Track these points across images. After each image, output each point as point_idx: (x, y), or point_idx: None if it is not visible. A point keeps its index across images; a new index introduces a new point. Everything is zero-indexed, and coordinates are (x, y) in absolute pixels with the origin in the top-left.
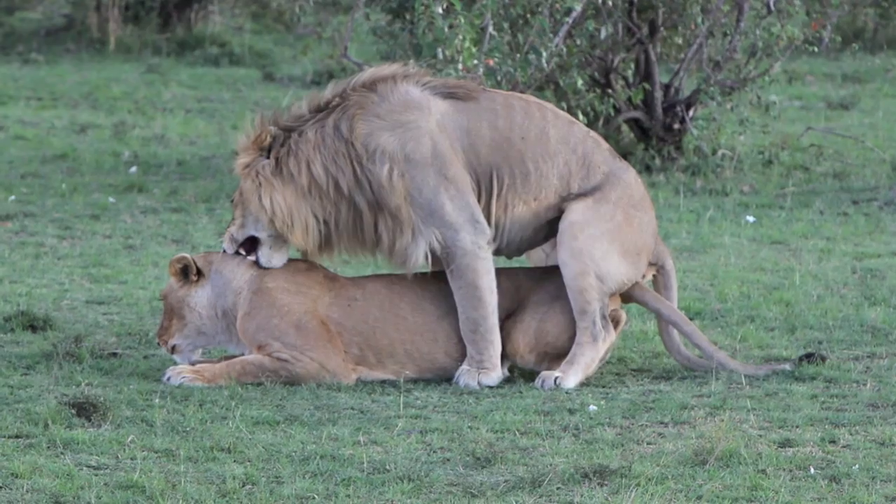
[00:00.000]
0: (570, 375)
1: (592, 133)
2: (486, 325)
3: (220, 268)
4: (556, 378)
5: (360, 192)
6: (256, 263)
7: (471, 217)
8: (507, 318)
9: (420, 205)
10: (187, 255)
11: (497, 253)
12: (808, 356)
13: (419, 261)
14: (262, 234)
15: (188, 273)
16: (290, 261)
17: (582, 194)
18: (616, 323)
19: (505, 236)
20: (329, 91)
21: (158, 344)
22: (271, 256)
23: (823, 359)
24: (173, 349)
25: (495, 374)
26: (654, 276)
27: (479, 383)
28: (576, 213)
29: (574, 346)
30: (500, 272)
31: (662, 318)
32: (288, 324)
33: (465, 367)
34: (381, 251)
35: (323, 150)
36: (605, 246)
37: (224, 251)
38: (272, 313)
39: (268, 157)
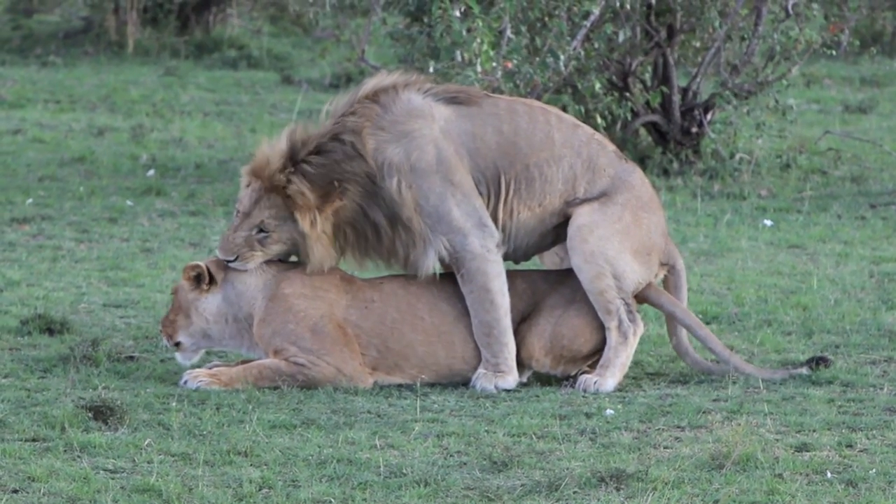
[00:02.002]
0: (608, 378)
1: (597, 135)
2: (500, 327)
3: (233, 277)
4: (595, 382)
5: (379, 210)
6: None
7: (478, 221)
8: (522, 321)
9: (428, 213)
10: (202, 265)
11: (504, 258)
12: (815, 360)
13: (429, 270)
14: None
15: (201, 280)
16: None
17: (587, 199)
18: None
19: (512, 242)
20: (335, 108)
21: (160, 333)
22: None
23: (826, 361)
24: (177, 345)
25: (511, 377)
26: (664, 276)
27: (496, 387)
28: (583, 216)
29: (606, 349)
30: (516, 274)
31: (677, 321)
32: (304, 328)
33: (481, 370)
34: (396, 262)
35: (355, 179)
36: (617, 246)
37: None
38: (288, 318)
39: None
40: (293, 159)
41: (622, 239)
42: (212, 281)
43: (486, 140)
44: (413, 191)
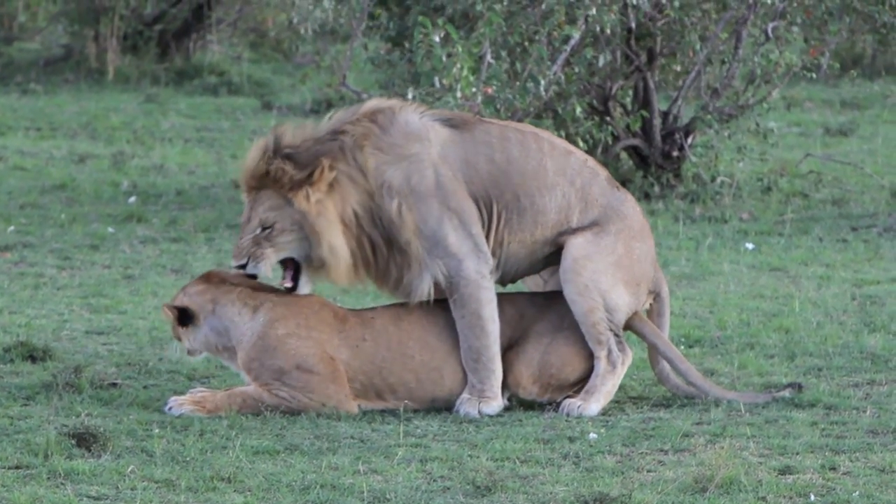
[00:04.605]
0: (592, 403)
1: (590, 161)
2: (489, 354)
3: (220, 311)
4: (578, 406)
5: (376, 228)
6: (292, 289)
7: (474, 247)
8: (510, 348)
9: (426, 236)
10: (171, 311)
11: None
12: (793, 385)
13: (424, 295)
14: (301, 259)
15: (181, 321)
16: (301, 298)
17: (580, 228)
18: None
19: (500, 269)
20: (332, 122)
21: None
22: (307, 284)
23: (800, 387)
24: (188, 352)
25: (496, 403)
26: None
27: (479, 412)
28: (577, 248)
29: (593, 376)
30: (504, 299)
31: (658, 353)
32: (290, 366)
33: (465, 395)
34: (385, 284)
35: (354, 185)
36: (610, 279)
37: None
38: (276, 356)
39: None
40: (276, 150)
41: (615, 271)
42: (195, 317)
43: (478, 169)
44: (413, 213)
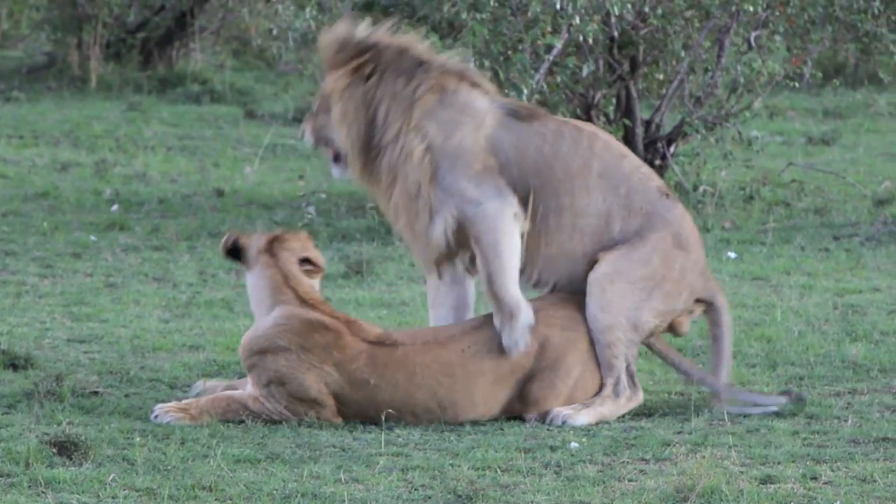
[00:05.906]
0: (581, 415)
1: (644, 168)
2: (503, 277)
3: (260, 295)
4: (565, 415)
5: (389, 152)
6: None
7: (497, 192)
8: (537, 380)
9: (442, 188)
10: (225, 249)
11: (533, 285)
12: (790, 394)
13: (441, 241)
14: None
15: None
16: (325, 330)
17: (618, 243)
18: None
19: (537, 276)
20: (426, 51)
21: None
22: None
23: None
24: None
25: (524, 315)
26: (704, 312)
27: (516, 343)
28: (607, 263)
29: (595, 395)
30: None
31: (672, 364)
32: (279, 383)
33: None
34: (397, 222)
35: (393, 100)
36: (638, 294)
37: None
38: (268, 367)
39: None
40: (345, 45)
41: (645, 285)
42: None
43: (526, 155)
44: (434, 166)
